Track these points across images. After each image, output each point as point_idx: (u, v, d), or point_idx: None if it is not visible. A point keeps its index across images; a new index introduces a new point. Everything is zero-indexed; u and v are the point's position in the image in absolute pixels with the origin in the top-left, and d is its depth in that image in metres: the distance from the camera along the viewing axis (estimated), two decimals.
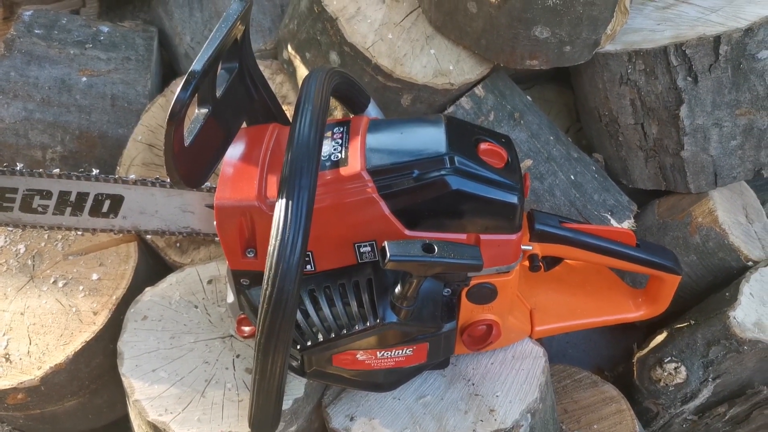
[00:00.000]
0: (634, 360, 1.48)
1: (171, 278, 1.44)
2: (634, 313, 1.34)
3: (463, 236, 1.08)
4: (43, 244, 1.57)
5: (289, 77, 1.60)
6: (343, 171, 1.05)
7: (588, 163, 1.54)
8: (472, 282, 1.13)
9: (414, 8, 1.42)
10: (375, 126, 1.14)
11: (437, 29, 1.40)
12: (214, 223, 1.18)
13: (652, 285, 1.32)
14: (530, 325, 1.31)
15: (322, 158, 1.07)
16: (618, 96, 1.44)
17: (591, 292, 1.36)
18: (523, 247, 1.14)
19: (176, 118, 0.94)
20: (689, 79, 1.34)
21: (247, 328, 1.20)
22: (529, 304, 1.32)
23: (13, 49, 1.64)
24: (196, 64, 0.95)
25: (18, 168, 1.29)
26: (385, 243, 0.96)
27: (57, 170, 1.30)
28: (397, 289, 1.05)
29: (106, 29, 1.73)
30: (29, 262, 1.54)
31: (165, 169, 1.01)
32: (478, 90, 1.44)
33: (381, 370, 1.15)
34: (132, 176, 1.31)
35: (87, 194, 1.32)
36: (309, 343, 1.09)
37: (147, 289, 1.42)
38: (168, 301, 1.39)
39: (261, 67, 1.61)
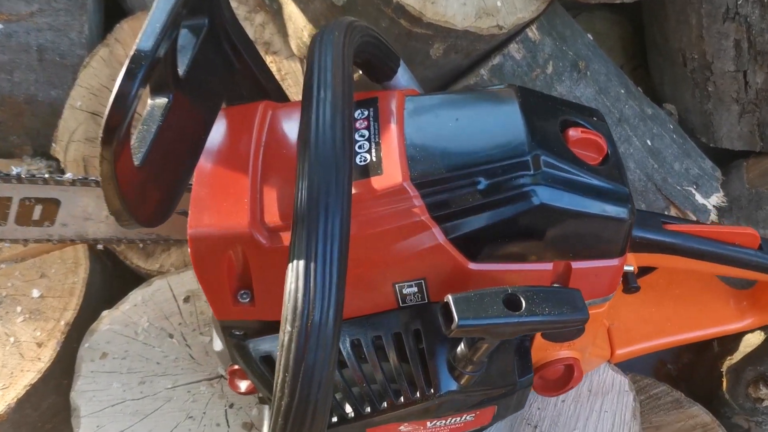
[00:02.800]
0: (723, 369, 1.21)
1: (135, 296, 1.10)
2: (738, 323, 1.05)
3: (548, 266, 0.76)
4: None
5: (272, 16, 1.20)
6: (377, 183, 0.71)
7: (664, 121, 1.20)
8: None
9: None
10: (414, 106, 0.78)
11: None
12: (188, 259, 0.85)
13: (765, 289, 1.02)
14: (609, 348, 1.02)
15: None
16: (718, 35, 1.08)
17: (681, 299, 1.06)
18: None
19: (116, 135, 0.58)
20: None
21: (243, 383, 0.88)
22: (607, 320, 1.02)
23: None
24: (144, 41, 0.57)
25: None
26: (449, 298, 0.64)
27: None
28: (460, 349, 0.73)
29: None
30: None
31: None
32: (532, 32, 1.07)
33: None
34: (69, 175, 0.94)
35: (10, 199, 0.96)
36: (335, 420, 0.78)
37: (104, 313, 1.09)
38: (133, 330, 1.06)
39: (234, 3, 1.22)
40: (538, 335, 0.85)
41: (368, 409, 0.78)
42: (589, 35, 1.19)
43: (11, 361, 1.10)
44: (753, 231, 0.92)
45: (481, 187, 0.71)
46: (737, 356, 1.20)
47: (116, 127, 0.56)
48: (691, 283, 1.07)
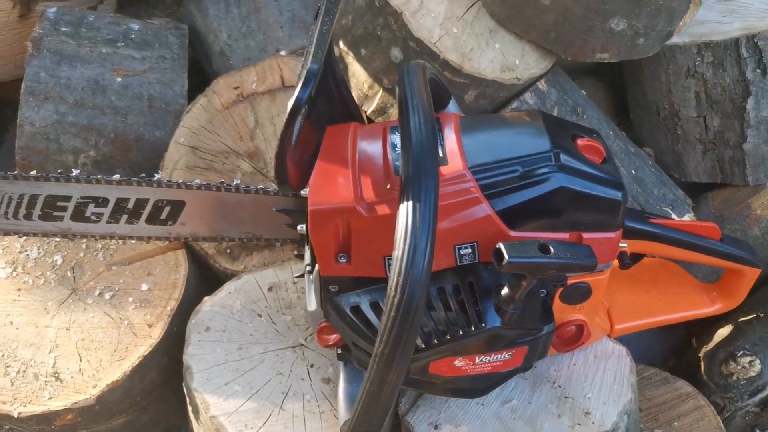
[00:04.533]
0: (701, 355, 1.47)
1: (229, 286, 1.37)
2: (710, 308, 1.33)
3: (565, 235, 1.05)
4: (81, 255, 1.48)
5: None
6: (445, 170, 1.01)
7: (644, 158, 1.52)
8: (569, 282, 1.10)
9: (474, 1, 1.38)
10: (466, 123, 1.09)
11: (500, 23, 1.37)
12: (301, 227, 1.14)
13: (728, 278, 1.31)
14: (609, 324, 1.29)
15: (399, 161, 1.03)
16: (683, 89, 1.42)
17: (663, 288, 1.34)
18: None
19: (296, 116, 0.88)
20: (758, 70, 1.33)
21: (331, 336, 1.14)
22: (606, 302, 1.30)
23: (41, 48, 1.54)
24: (313, 62, 0.88)
25: (73, 174, 1.21)
26: (500, 245, 0.92)
27: (117, 176, 1.22)
28: (504, 291, 1.01)
29: (136, 27, 1.65)
30: (69, 273, 1.46)
31: (273, 171, 0.95)
32: (541, 85, 1.41)
33: (476, 375, 1.11)
34: (197, 181, 1.24)
35: (146, 200, 1.25)
36: None
37: (206, 298, 1.35)
38: (230, 311, 1.33)
39: None
40: (556, 298, 1.12)
41: (435, 341, 1.04)
42: (582, 91, 1.53)
43: (125, 338, 1.35)
44: (714, 225, 1.22)
45: (517, 173, 1.01)
46: (711, 345, 1.48)
47: (296, 111, 0.87)
48: (671, 277, 1.36)
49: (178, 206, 1.26)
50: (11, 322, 1.39)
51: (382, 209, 1.01)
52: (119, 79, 1.56)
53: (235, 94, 1.54)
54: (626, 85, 1.64)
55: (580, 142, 1.07)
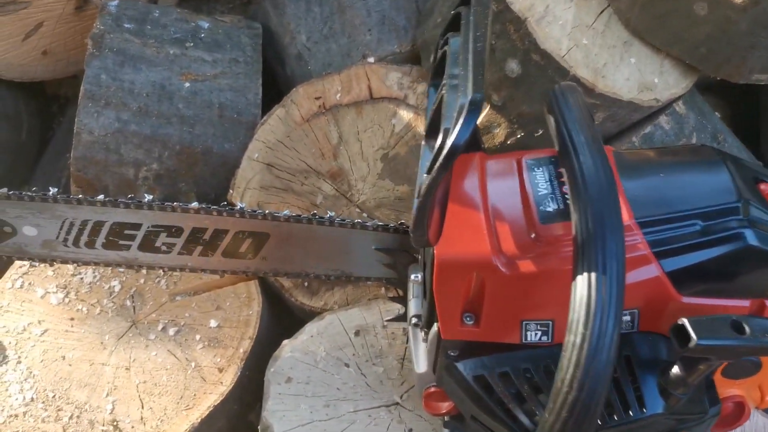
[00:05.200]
0: None
1: (310, 329, 1.20)
2: None
3: (745, 303, 0.86)
4: (142, 281, 1.32)
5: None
6: None
7: None
8: None
9: (604, 7, 1.19)
10: (624, 161, 0.91)
11: (635, 33, 1.17)
12: (416, 276, 0.96)
13: None
14: (760, 393, 1.09)
15: (547, 207, 0.85)
16: None
17: None
18: None
19: (453, 159, 0.70)
20: None
21: (443, 404, 0.97)
22: None
23: (102, 46, 1.38)
24: (476, 90, 0.70)
25: (145, 200, 1.04)
26: (685, 321, 0.73)
27: (195, 204, 1.05)
28: (675, 372, 0.82)
29: (206, 25, 1.48)
30: (128, 302, 1.30)
31: (412, 225, 0.77)
32: (679, 107, 1.21)
33: None
34: (286, 212, 1.07)
35: (225, 232, 1.08)
36: None
37: (285, 342, 1.18)
38: (313, 359, 1.16)
39: (398, 74, 1.38)
40: (718, 372, 0.93)
41: None
42: (717, 113, 1.33)
43: (193, 384, 1.19)
44: None
45: (697, 228, 0.82)
46: None
47: (455, 152, 0.69)
48: None
49: (260, 239, 1.09)
50: (63, 357, 1.24)
51: (526, 266, 0.83)
52: (187, 85, 1.39)
53: (316, 105, 1.37)
54: (761, 103, 1.43)
55: (763, 187, 0.88)
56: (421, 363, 0.98)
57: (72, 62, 1.73)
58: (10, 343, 1.26)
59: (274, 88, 1.54)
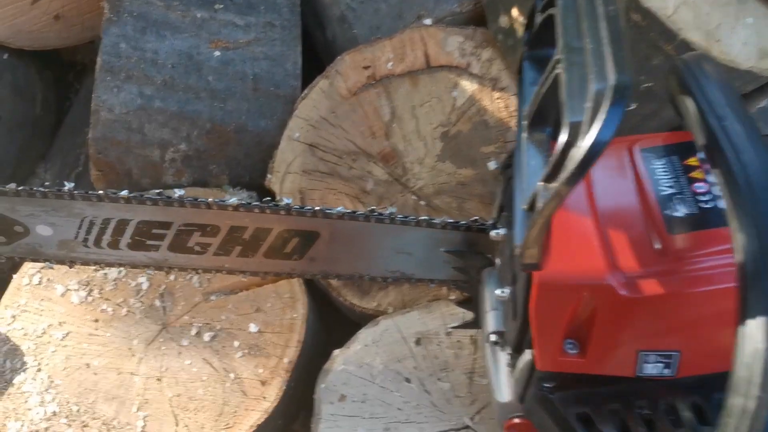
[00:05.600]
0: None
1: (364, 337, 1.06)
2: None
3: None
4: (172, 278, 1.17)
5: (500, 52, 1.17)
6: None
7: None
8: None
9: None
10: None
11: None
12: (503, 292, 0.80)
13: None
14: None
15: (674, 211, 0.68)
16: None
17: None
18: None
19: (592, 162, 0.53)
20: None
21: None
22: None
23: (121, 11, 1.21)
24: (620, 72, 0.52)
25: (176, 196, 0.89)
26: None
27: (234, 200, 0.90)
28: None
29: None
30: (157, 302, 1.16)
31: (522, 249, 0.61)
32: None
33: None
34: (340, 208, 0.91)
35: (269, 231, 0.92)
36: None
37: (336, 353, 1.04)
38: (369, 373, 1.01)
39: (459, 38, 1.20)
40: None
41: None
42: None
43: (233, 399, 1.05)
44: None
45: None
46: None
47: (591, 163, 0.52)
48: None
49: (309, 238, 0.94)
50: (88, 365, 1.11)
51: (651, 287, 0.67)
52: (217, 53, 1.22)
53: (365, 76, 1.19)
54: None
55: None
56: (503, 390, 0.83)
57: (87, 27, 1.55)
58: (28, 348, 1.14)
59: (314, 57, 1.36)
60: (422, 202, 1.16)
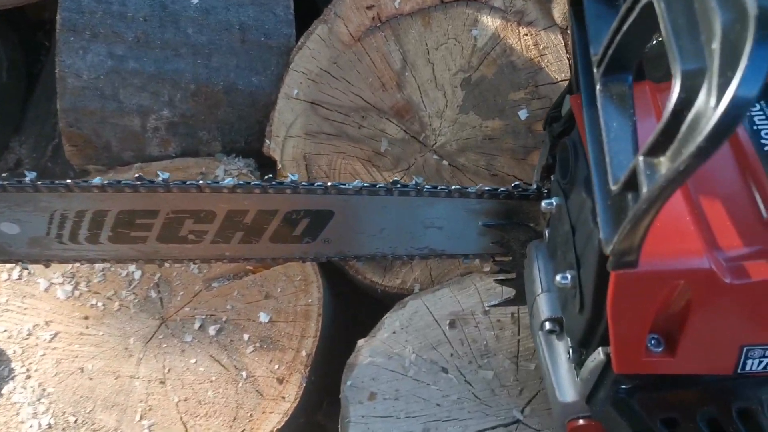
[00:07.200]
0: None
1: (391, 321, 0.92)
2: None
3: None
4: (167, 265, 1.03)
5: None
6: None
7: None
8: None
9: None
10: None
11: None
12: (565, 279, 0.66)
13: None
14: None
15: None
16: None
17: None
18: None
19: (726, 138, 0.38)
20: None
21: None
22: None
23: None
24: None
25: (159, 180, 0.74)
26: None
27: (229, 181, 0.75)
28: None
29: None
30: (153, 293, 1.03)
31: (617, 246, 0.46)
32: None
33: None
34: (357, 182, 0.76)
35: (274, 212, 0.78)
36: None
37: (360, 342, 0.91)
38: (400, 365, 0.89)
39: None
40: None
41: None
42: None
43: (247, 401, 0.93)
44: None
45: None
46: None
47: (728, 134, 0.37)
48: None
49: (322, 218, 0.80)
50: (81, 369, 0.99)
51: (759, 269, 0.53)
52: (196, 1, 1.05)
53: (369, 18, 1.03)
54: None
55: None
56: (565, 388, 0.70)
57: None
58: (14, 352, 1.01)
59: (316, 2, 1.19)
60: (445, 162, 1.01)
